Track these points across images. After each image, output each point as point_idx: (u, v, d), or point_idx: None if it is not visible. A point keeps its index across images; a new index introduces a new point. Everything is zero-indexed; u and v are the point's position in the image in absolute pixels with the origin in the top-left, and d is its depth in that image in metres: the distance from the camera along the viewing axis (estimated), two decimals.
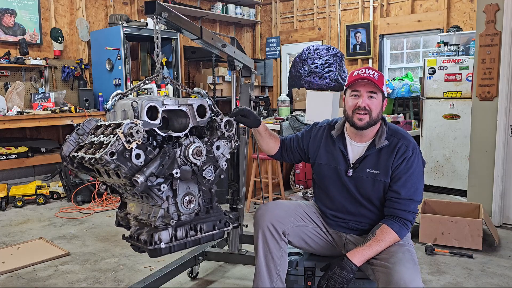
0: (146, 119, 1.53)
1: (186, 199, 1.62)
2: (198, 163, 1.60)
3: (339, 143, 1.91)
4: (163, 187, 1.54)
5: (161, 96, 1.66)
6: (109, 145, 1.46)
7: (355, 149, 1.89)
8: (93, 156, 1.51)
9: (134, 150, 1.48)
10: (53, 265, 2.93)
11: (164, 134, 1.61)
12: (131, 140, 1.47)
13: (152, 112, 1.56)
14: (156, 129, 1.58)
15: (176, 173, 1.55)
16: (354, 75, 1.81)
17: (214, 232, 1.70)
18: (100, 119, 1.74)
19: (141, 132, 1.48)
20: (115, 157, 1.45)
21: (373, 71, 1.80)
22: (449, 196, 4.60)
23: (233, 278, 2.71)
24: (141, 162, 1.51)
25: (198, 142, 1.61)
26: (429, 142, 4.77)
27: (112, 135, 1.51)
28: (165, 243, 1.56)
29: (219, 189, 4.11)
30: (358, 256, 1.71)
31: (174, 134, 1.63)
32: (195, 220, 1.67)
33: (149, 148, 1.53)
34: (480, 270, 2.79)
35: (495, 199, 3.62)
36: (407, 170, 1.79)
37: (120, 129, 1.46)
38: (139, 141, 1.48)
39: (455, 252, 3.03)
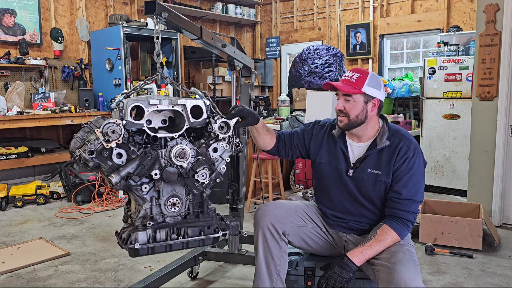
0: (129, 119, 1.52)
1: (170, 201, 1.58)
2: (184, 165, 1.56)
3: (340, 143, 1.92)
4: (145, 187, 1.53)
5: (153, 96, 1.64)
6: (89, 143, 1.48)
7: (356, 149, 1.89)
8: (78, 153, 1.52)
9: (115, 149, 1.48)
10: (53, 265, 2.93)
11: (152, 134, 1.59)
12: (110, 140, 1.46)
13: (138, 112, 1.55)
14: (145, 128, 1.57)
15: (156, 174, 1.52)
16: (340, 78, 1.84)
17: (200, 237, 1.63)
18: (110, 117, 1.75)
19: (118, 132, 1.47)
20: (94, 155, 1.46)
21: (354, 73, 1.82)
22: (449, 196, 4.60)
23: (233, 278, 2.71)
24: (122, 162, 1.50)
25: (185, 144, 1.57)
26: (429, 142, 4.77)
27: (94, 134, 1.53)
28: (140, 244, 1.53)
29: (219, 189, 4.12)
30: (358, 256, 1.71)
31: (159, 135, 1.60)
32: (181, 223, 1.62)
33: (132, 148, 1.51)
34: (480, 270, 2.79)
35: (495, 199, 3.62)
36: (409, 171, 1.79)
37: (99, 128, 1.47)
38: (119, 141, 1.48)
39: (455, 252, 3.03)
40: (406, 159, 1.79)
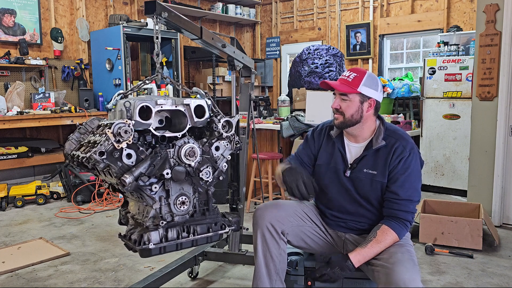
0: (138, 119, 1.53)
1: (179, 200, 1.60)
2: (192, 164, 1.58)
3: (338, 144, 1.92)
4: (155, 187, 1.53)
5: (158, 96, 1.65)
6: (99, 144, 1.47)
7: (353, 149, 1.90)
8: (85, 155, 1.51)
9: (125, 150, 1.48)
10: (53, 265, 2.93)
11: (159, 134, 1.60)
12: (121, 140, 1.46)
13: (145, 112, 1.55)
14: (151, 129, 1.57)
15: (167, 173, 1.53)
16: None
17: (208, 234, 1.67)
18: (104, 118, 1.74)
19: (129, 132, 1.47)
20: (104, 156, 1.45)
21: (351, 73, 1.83)
22: (449, 196, 4.60)
23: (233, 278, 2.71)
24: (132, 162, 1.50)
25: (193, 143, 1.59)
26: (429, 142, 4.77)
27: (104, 135, 1.52)
28: (154, 244, 1.54)
29: (219, 189, 4.13)
30: (358, 258, 1.72)
31: (168, 134, 1.61)
32: (189, 221, 1.64)
33: (141, 148, 1.52)
34: (480, 270, 2.79)
35: (495, 199, 3.62)
36: (405, 171, 1.79)
37: (110, 129, 1.46)
38: (129, 141, 1.48)
39: (455, 252, 3.03)
40: (401, 159, 1.80)
